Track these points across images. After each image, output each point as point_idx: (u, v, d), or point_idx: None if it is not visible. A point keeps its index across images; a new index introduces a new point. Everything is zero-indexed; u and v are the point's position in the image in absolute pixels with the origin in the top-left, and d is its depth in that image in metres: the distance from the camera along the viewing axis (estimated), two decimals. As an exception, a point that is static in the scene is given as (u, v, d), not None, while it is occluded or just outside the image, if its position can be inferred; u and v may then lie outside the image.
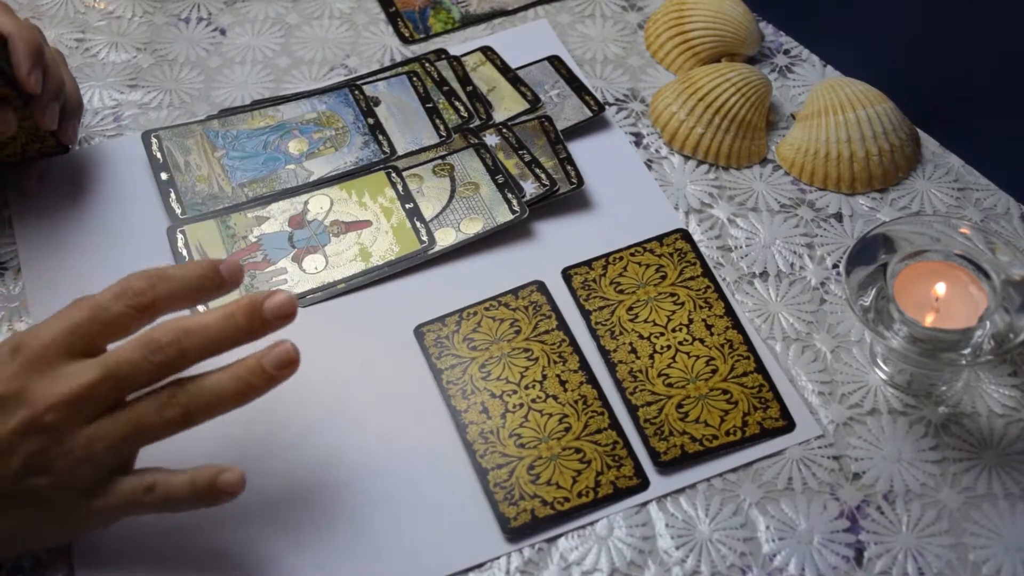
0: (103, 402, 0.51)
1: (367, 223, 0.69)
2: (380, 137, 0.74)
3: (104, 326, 0.52)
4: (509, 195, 0.70)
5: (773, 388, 0.62)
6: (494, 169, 0.71)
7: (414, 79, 0.78)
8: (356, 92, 0.77)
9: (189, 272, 0.53)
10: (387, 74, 0.79)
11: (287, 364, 0.53)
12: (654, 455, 0.60)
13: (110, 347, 0.52)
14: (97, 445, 0.50)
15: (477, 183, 0.71)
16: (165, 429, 0.52)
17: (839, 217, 0.71)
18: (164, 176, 0.72)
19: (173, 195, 0.71)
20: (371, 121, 0.75)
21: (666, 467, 0.60)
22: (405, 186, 0.71)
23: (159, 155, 0.73)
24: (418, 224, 0.69)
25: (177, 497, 0.53)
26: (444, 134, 0.74)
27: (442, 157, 0.73)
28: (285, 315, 0.53)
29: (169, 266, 0.54)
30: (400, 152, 0.73)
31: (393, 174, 0.72)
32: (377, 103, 0.76)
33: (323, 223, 0.70)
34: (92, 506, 0.52)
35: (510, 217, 0.69)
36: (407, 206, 0.70)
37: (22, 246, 0.69)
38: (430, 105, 0.76)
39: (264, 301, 0.53)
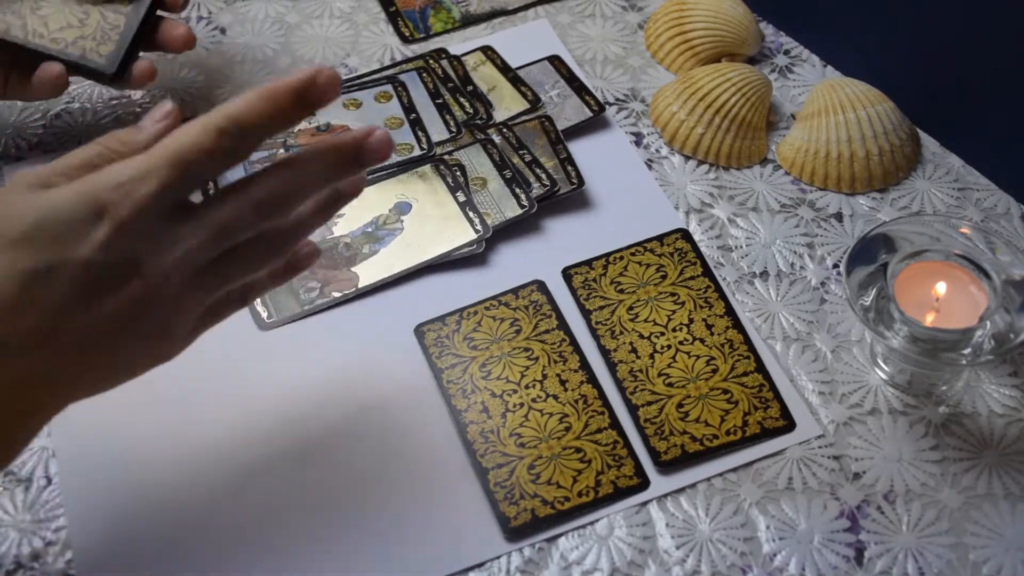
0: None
1: (420, 214, 0.69)
2: (419, 133, 0.74)
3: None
4: (517, 190, 0.70)
5: (773, 388, 0.62)
6: (502, 164, 0.71)
7: (424, 75, 0.78)
8: (399, 87, 0.76)
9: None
10: (395, 70, 0.78)
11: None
12: (654, 455, 0.60)
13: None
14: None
15: (485, 178, 0.71)
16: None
17: (839, 217, 0.71)
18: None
19: None
20: (412, 116, 0.75)
21: (666, 467, 0.60)
22: (454, 177, 0.71)
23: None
24: (471, 214, 0.69)
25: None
26: (454, 129, 0.74)
27: (450, 153, 0.73)
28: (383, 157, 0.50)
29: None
30: None
31: (441, 167, 0.72)
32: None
33: (378, 217, 0.70)
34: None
35: (519, 212, 0.69)
36: (459, 198, 0.70)
37: (22, 245, 0.69)
38: (440, 101, 0.76)
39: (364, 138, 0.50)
